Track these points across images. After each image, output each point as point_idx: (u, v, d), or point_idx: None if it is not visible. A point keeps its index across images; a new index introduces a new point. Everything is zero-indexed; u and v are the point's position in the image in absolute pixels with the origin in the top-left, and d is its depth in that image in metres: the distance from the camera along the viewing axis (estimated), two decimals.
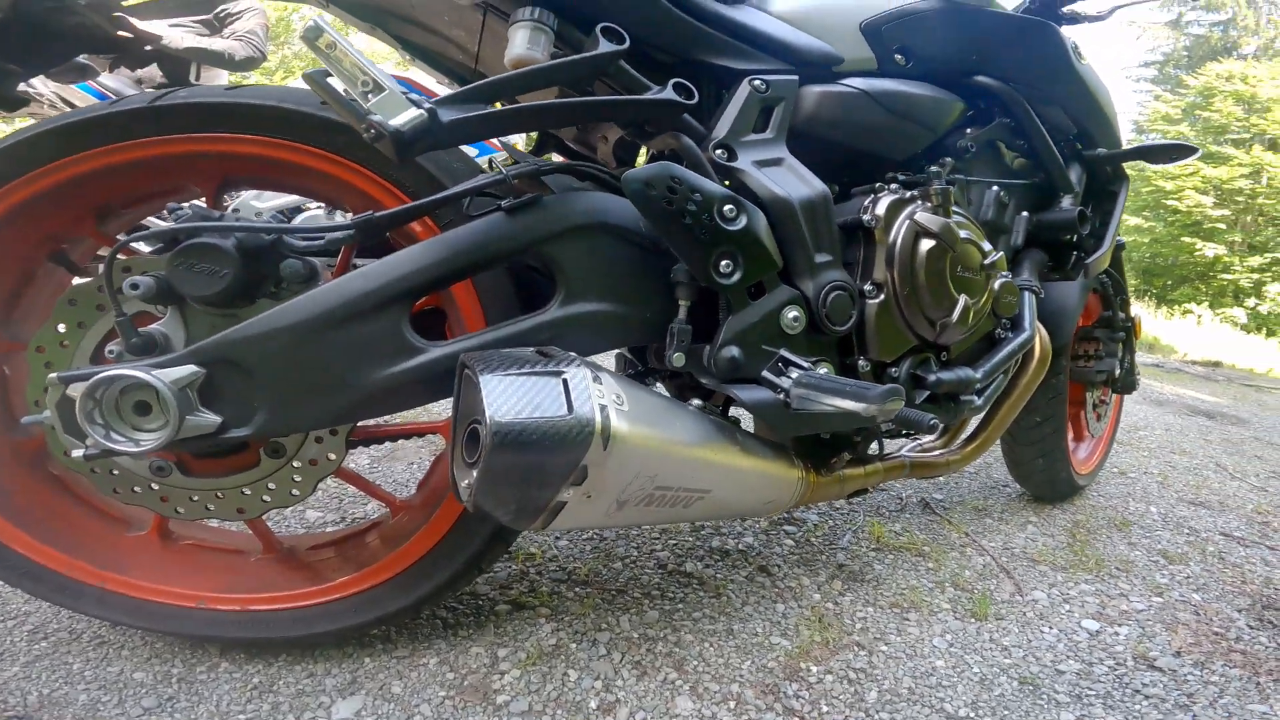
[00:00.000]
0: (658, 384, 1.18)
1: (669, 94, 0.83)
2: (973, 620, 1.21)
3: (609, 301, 0.82)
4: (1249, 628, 1.27)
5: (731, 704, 0.94)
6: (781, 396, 0.83)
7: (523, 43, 0.78)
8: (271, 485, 0.86)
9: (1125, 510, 1.82)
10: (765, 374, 0.86)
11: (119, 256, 0.77)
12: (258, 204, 2.84)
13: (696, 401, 0.86)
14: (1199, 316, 11.18)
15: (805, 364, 0.86)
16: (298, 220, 2.81)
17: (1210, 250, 12.84)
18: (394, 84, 0.65)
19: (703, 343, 0.86)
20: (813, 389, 0.78)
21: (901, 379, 1.01)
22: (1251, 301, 12.35)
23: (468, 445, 0.68)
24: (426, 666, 0.96)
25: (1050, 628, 1.21)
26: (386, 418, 1.98)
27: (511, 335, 0.78)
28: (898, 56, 1.08)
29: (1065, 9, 1.32)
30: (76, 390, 0.69)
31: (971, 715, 0.97)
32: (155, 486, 0.84)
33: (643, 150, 1.13)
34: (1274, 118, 12.78)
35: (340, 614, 0.92)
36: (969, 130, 1.21)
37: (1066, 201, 1.35)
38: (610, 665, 0.99)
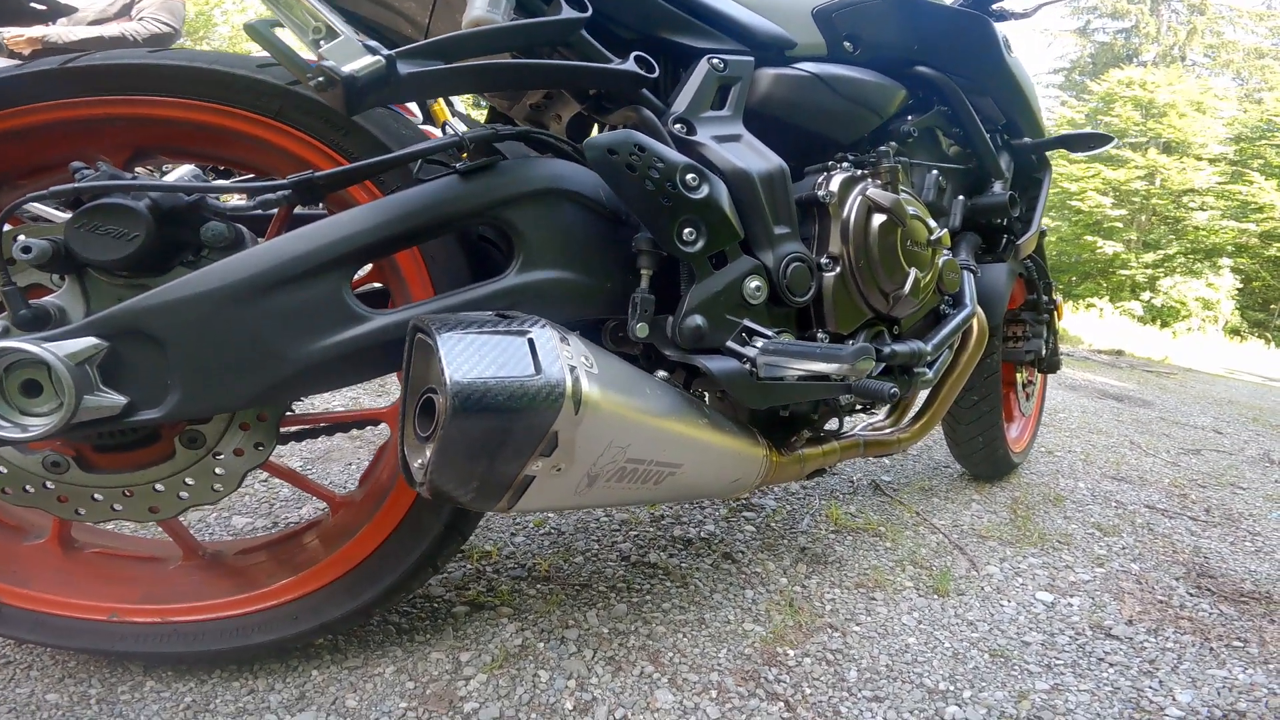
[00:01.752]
0: None
1: (631, 66, 0.83)
2: (936, 597, 1.23)
3: (570, 270, 0.78)
4: (1189, 595, 1.33)
5: (713, 693, 0.91)
6: (748, 366, 0.82)
7: (483, 4, 0.74)
8: (189, 480, 0.76)
9: (1057, 486, 1.92)
10: (730, 344, 0.84)
11: (9, 226, 0.67)
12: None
13: (662, 373, 0.83)
14: (1100, 309, 12.08)
15: (769, 333, 0.85)
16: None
17: (1109, 248, 13.90)
18: (350, 30, 0.59)
19: (665, 314, 0.84)
20: (781, 355, 0.77)
21: None
22: (1146, 295, 13.43)
23: (420, 419, 0.62)
24: (383, 676, 0.88)
25: (1008, 601, 1.24)
26: (324, 407, 1.87)
27: (466, 303, 0.72)
28: (846, 43, 1.11)
29: (995, 5, 1.39)
30: None
31: (950, 688, 0.98)
32: (50, 485, 0.73)
33: (594, 130, 1.12)
34: (1169, 122, 13.97)
35: (276, 623, 0.83)
36: (910, 117, 1.26)
37: (997, 186, 1.42)
38: (582, 663, 0.95)
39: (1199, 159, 14.03)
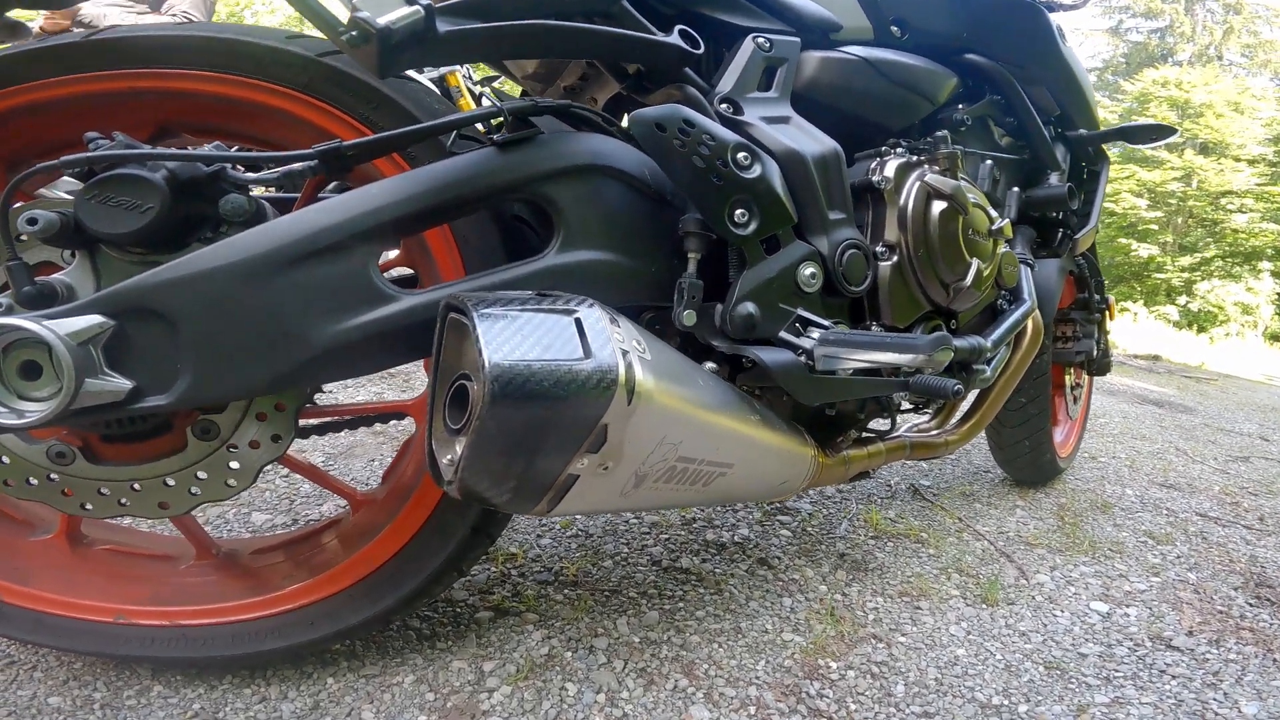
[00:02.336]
0: None
1: (676, 39, 0.78)
2: (984, 606, 1.16)
3: (613, 251, 0.72)
4: (1249, 605, 1.27)
5: (752, 709, 0.85)
6: (803, 358, 0.76)
7: None
8: (201, 474, 0.71)
9: (1104, 493, 1.83)
10: (783, 334, 0.78)
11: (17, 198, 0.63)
12: None
13: (710, 365, 0.77)
14: (1135, 314, 11.76)
15: (825, 323, 0.79)
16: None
17: (1144, 251, 13.55)
18: None
19: (712, 302, 0.78)
20: (844, 345, 0.70)
21: None
22: (1183, 299, 13.06)
23: (451, 410, 0.55)
24: (401, 686, 0.83)
25: (1061, 611, 1.18)
26: (345, 399, 1.83)
27: (502, 282, 0.67)
28: (894, 28, 1.08)
29: None
30: None
31: (1005, 703, 0.92)
32: (54, 477, 0.69)
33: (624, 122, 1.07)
34: (1206, 123, 13.59)
35: (291, 629, 0.79)
36: (961, 105, 1.21)
37: (1054, 179, 1.37)
38: (612, 675, 0.89)
39: (1237, 160, 13.62)
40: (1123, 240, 13.75)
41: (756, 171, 0.76)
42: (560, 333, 0.51)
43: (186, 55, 0.71)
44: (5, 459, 0.68)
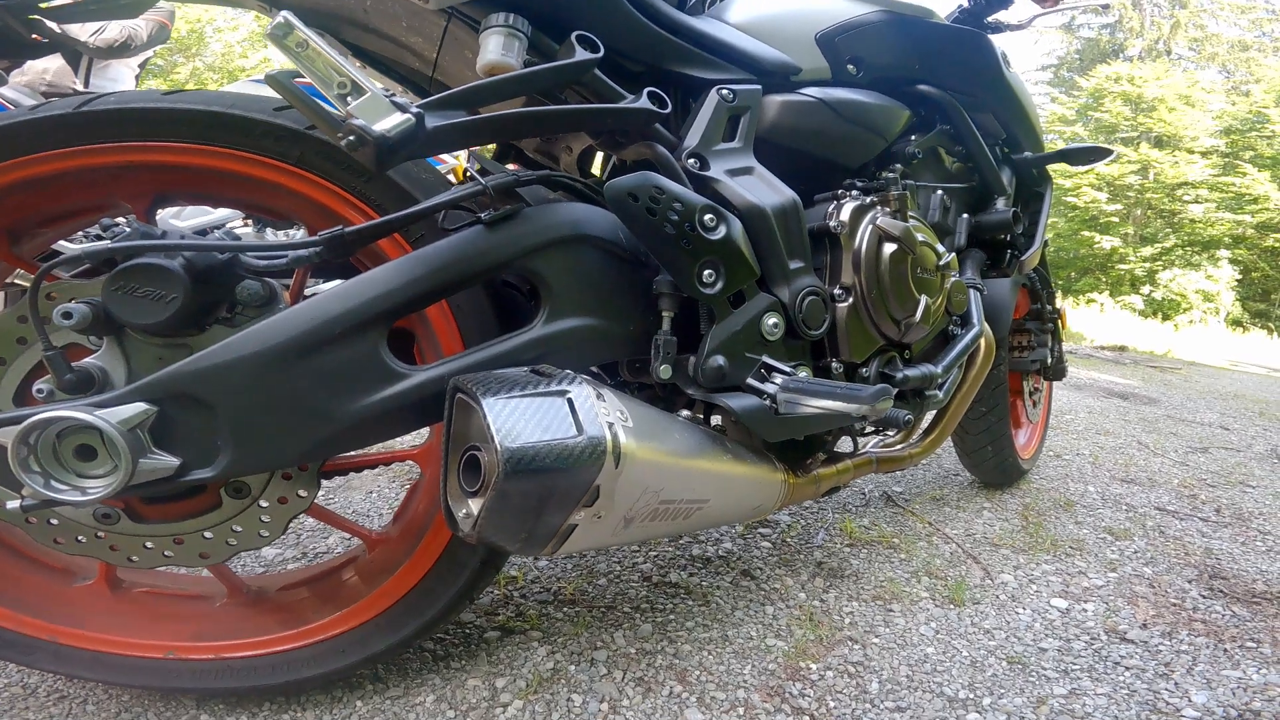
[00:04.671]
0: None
1: (645, 103, 0.83)
2: (952, 606, 1.25)
3: (594, 316, 0.80)
4: (1202, 597, 1.35)
5: (740, 710, 0.93)
6: (768, 403, 0.84)
7: (497, 49, 0.75)
8: (237, 528, 0.79)
9: (1067, 491, 1.93)
10: (750, 381, 0.86)
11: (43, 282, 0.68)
12: (177, 222, 2.62)
13: (685, 412, 0.85)
14: (1101, 305, 12.09)
15: (787, 369, 0.87)
16: (243, 233, 2.62)
17: (1107, 242, 13.92)
18: (375, 85, 0.60)
19: (685, 354, 0.86)
20: (801, 393, 0.79)
21: (872, 379, 1.04)
22: (1146, 289, 13.45)
23: (466, 473, 0.64)
24: (424, 705, 0.91)
25: (1023, 608, 1.26)
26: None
27: (498, 355, 0.74)
28: (850, 66, 1.12)
29: (989, 18, 1.41)
30: (6, 435, 0.61)
31: (971, 696, 1.00)
32: (102, 535, 0.76)
33: (597, 158, 1.13)
34: (1158, 116, 14.01)
35: (325, 657, 0.86)
36: (914, 137, 1.26)
37: (1001, 203, 1.44)
38: (613, 685, 0.97)
39: (1191, 152, 14.06)
40: (1086, 233, 14.13)
41: (722, 233, 0.82)
42: (556, 413, 0.60)
43: (173, 127, 0.73)
44: (54, 520, 0.74)
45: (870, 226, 1.01)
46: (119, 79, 2.83)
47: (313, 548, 1.34)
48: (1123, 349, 6.71)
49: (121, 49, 2.61)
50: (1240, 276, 13.82)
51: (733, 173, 0.92)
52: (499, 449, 0.57)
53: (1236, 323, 12.91)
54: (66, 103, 0.74)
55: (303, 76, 0.62)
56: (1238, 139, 14.45)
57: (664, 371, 0.81)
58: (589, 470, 0.61)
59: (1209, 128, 14.45)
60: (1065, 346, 2.01)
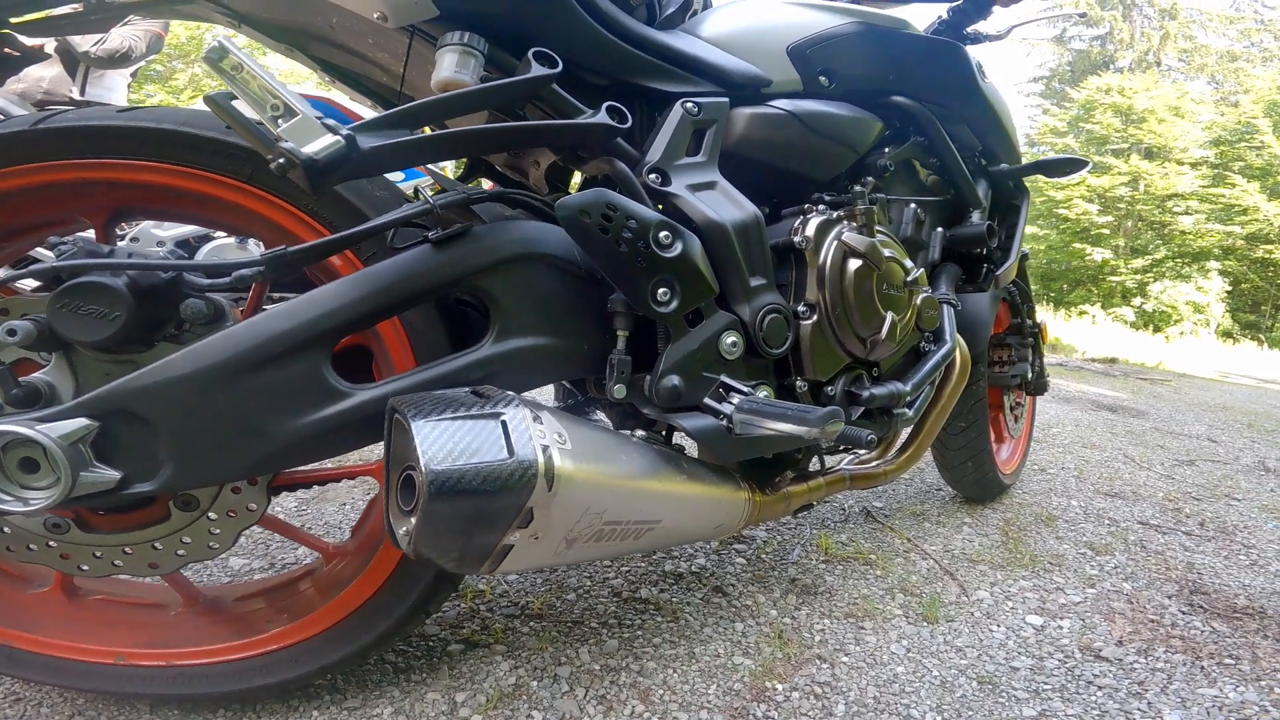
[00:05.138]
0: (599, 413, 1.15)
1: (602, 118, 0.82)
2: (925, 624, 1.23)
3: (545, 335, 0.79)
4: (1181, 613, 1.33)
5: None
6: (724, 423, 0.82)
7: (451, 66, 0.75)
8: (186, 539, 0.79)
9: (1049, 505, 1.92)
10: (707, 400, 0.85)
11: None
12: (159, 232, 2.66)
13: (640, 433, 0.84)
14: (1093, 317, 12.14)
15: (745, 389, 0.86)
16: (203, 252, 2.67)
17: (1098, 254, 14.00)
18: (307, 107, 0.60)
19: (643, 373, 0.85)
20: (754, 414, 0.78)
21: (837, 397, 1.03)
22: (1137, 300, 13.51)
23: (403, 492, 0.64)
24: (380, 717, 0.90)
25: (998, 626, 1.25)
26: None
27: (443, 375, 0.74)
28: (822, 78, 1.11)
29: (968, 29, 1.41)
30: None
31: (938, 718, 0.98)
32: (53, 544, 0.76)
33: (575, 174, 1.12)
34: (1149, 128, 14.13)
35: (278, 666, 0.86)
36: (887, 149, 1.25)
37: (975, 216, 1.43)
38: (574, 702, 0.95)
39: (1180, 163, 14.18)
40: (1077, 245, 14.22)
41: (678, 250, 0.81)
42: (487, 436, 0.59)
43: (127, 145, 0.74)
44: (6, 529, 0.75)
45: (835, 242, 1.00)
46: (114, 88, 2.89)
47: (281, 559, 1.33)
48: (1113, 361, 6.72)
49: (122, 59, 2.71)
50: (1230, 288, 13.90)
51: (694, 188, 0.91)
52: (424, 470, 0.56)
53: (1227, 334, 12.97)
54: (23, 120, 0.75)
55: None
56: (1227, 150, 14.58)
57: (618, 391, 0.81)
58: (519, 494, 0.60)
59: (1198, 139, 14.59)
60: (1055, 359, 2.00)
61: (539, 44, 0.81)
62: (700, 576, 1.35)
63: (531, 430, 0.61)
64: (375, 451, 2.05)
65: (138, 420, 0.67)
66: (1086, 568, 1.52)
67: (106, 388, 0.66)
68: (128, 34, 2.67)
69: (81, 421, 0.65)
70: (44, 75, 2.67)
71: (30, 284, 0.92)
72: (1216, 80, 18.95)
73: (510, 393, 0.67)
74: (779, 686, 1.02)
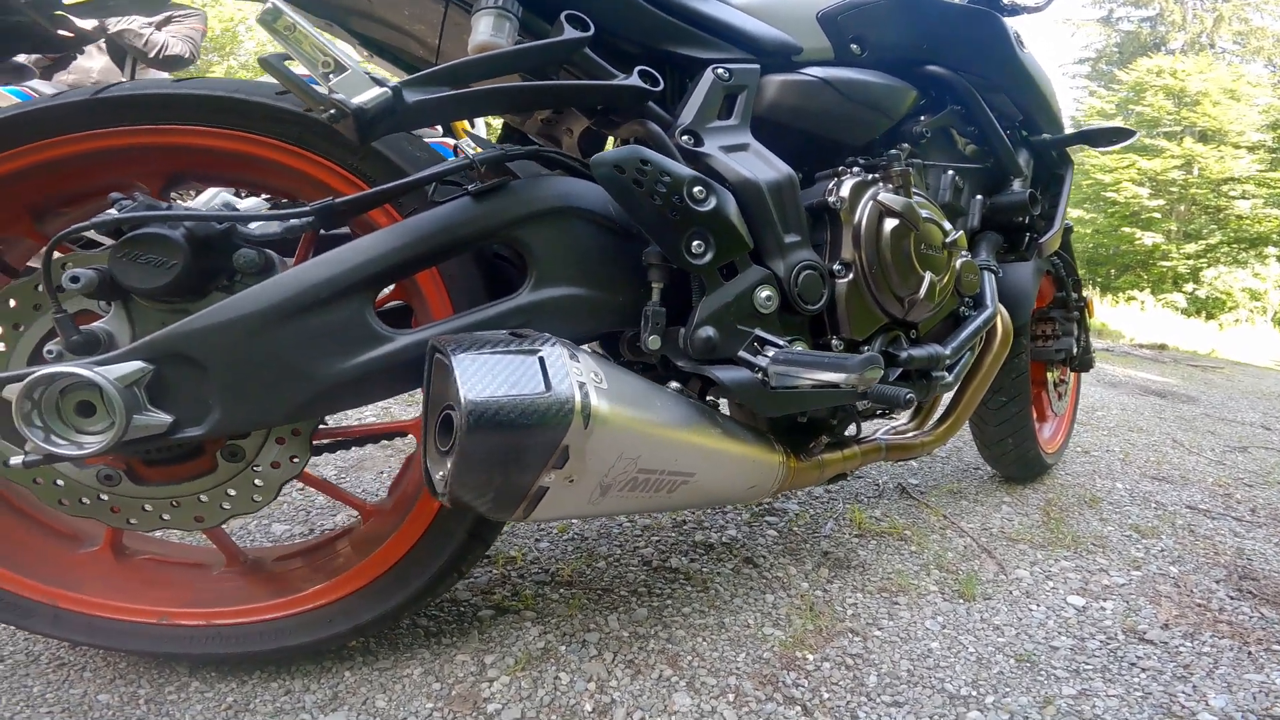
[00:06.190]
0: None
1: (635, 80, 0.84)
2: (961, 601, 1.21)
3: (582, 286, 0.80)
4: (1229, 598, 1.29)
5: (730, 696, 0.92)
6: (759, 375, 0.83)
7: (487, 29, 0.77)
8: (231, 491, 0.81)
9: (1093, 487, 1.87)
10: (742, 353, 0.85)
11: (57, 253, 0.72)
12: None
13: (675, 385, 0.85)
14: (1142, 302, 11.67)
15: (781, 342, 0.86)
16: (245, 206, 2.78)
17: (1149, 239, 13.43)
18: (356, 64, 0.63)
19: (676, 326, 0.85)
20: (791, 364, 0.78)
21: None
22: (1189, 287, 12.94)
23: (441, 434, 0.65)
24: (411, 678, 0.92)
25: (1037, 605, 1.22)
26: (353, 419, 1.93)
27: (482, 321, 0.75)
28: (853, 46, 1.11)
29: (1005, 1, 1.37)
30: (12, 392, 0.65)
31: (973, 694, 0.97)
32: (104, 497, 0.79)
33: (609, 143, 1.13)
34: (1203, 110, 13.48)
35: (314, 625, 0.88)
36: (923, 118, 1.24)
37: (1017, 185, 1.40)
38: (602, 666, 0.96)
39: (1237, 147, 13.49)
40: (1126, 229, 13.67)
41: (711, 204, 0.82)
42: (525, 370, 0.60)
43: (183, 111, 0.78)
44: (60, 482, 0.78)
45: (871, 202, 1.00)
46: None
47: (320, 524, 1.37)
48: (1163, 347, 6.46)
49: (175, 62, 2.83)
50: None
51: (727, 149, 0.91)
52: (463, 401, 0.57)
53: None
54: (84, 90, 0.79)
55: (292, 59, 0.65)
56: None
57: (653, 343, 0.81)
58: (555, 429, 0.60)
59: (1255, 122, 13.85)
60: (1101, 344, 1.94)
61: (571, 8, 0.83)
62: (731, 547, 1.35)
63: (569, 367, 0.62)
64: (414, 409, 2.11)
65: (190, 364, 0.69)
66: (1131, 550, 1.47)
67: (161, 332, 0.69)
68: (181, 36, 2.79)
69: (137, 364, 0.68)
70: (92, 67, 2.79)
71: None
72: (1274, 64, 17.98)
73: (547, 334, 0.68)
74: (810, 657, 1.02)
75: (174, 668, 0.91)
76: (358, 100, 0.61)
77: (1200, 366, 5.28)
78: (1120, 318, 9.57)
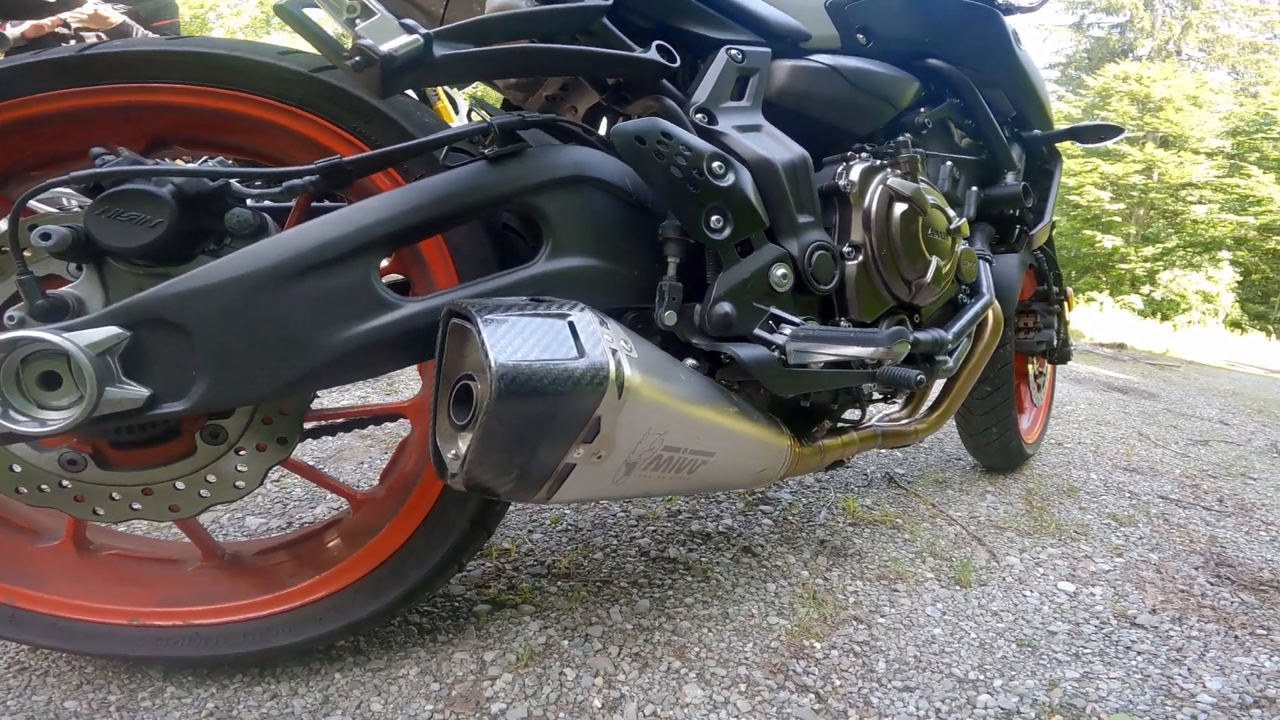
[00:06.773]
0: None
1: (655, 55, 0.83)
2: (958, 588, 1.22)
3: (598, 257, 0.77)
4: (1210, 584, 1.33)
5: (742, 686, 0.90)
6: (776, 353, 0.82)
7: None
8: (211, 477, 0.74)
9: (1070, 478, 1.91)
10: (758, 331, 0.84)
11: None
12: None
13: (691, 361, 0.82)
14: (1100, 303, 12.08)
15: (797, 320, 0.85)
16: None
17: (1109, 242, 13.91)
18: (384, 9, 0.58)
19: (692, 302, 0.83)
20: (813, 340, 0.76)
21: None
22: (1146, 289, 13.44)
23: (456, 408, 0.60)
24: (407, 678, 0.87)
25: (1031, 591, 1.24)
26: (343, 402, 1.85)
27: (495, 289, 0.71)
28: (859, 36, 1.13)
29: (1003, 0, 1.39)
30: None
31: (981, 678, 0.97)
32: (67, 484, 0.70)
33: (602, 125, 1.11)
34: (1166, 116, 13.98)
35: (302, 624, 0.82)
36: (923, 109, 1.26)
37: (1010, 178, 1.43)
38: (609, 660, 0.93)
39: (1196, 153, 14.04)
40: (1087, 232, 14.12)
41: (730, 180, 0.80)
42: (556, 335, 0.56)
43: (177, 69, 0.73)
44: (17, 467, 0.69)
45: (880, 187, 1.00)
46: None
47: (299, 518, 1.30)
48: (1121, 346, 6.69)
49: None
50: (1241, 278, 13.81)
51: (741, 129, 0.91)
52: (493, 365, 0.52)
53: (1235, 324, 12.90)
54: (71, 47, 0.74)
55: (314, 6, 0.61)
56: (1244, 140, 14.41)
57: (669, 318, 0.79)
58: (589, 397, 0.56)
59: (1215, 129, 14.43)
60: None
61: None
62: (728, 536, 1.33)
63: (600, 333, 0.58)
64: (407, 391, 2.04)
65: (174, 330, 0.63)
66: (1112, 538, 1.51)
67: (142, 295, 0.63)
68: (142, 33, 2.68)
69: (112, 330, 0.61)
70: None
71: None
72: (1237, 71, 18.73)
73: (572, 300, 0.64)
74: (817, 645, 1.01)
75: (147, 672, 0.84)
76: (386, 47, 0.57)
77: (1157, 365, 5.48)
78: (1080, 318, 9.88)
